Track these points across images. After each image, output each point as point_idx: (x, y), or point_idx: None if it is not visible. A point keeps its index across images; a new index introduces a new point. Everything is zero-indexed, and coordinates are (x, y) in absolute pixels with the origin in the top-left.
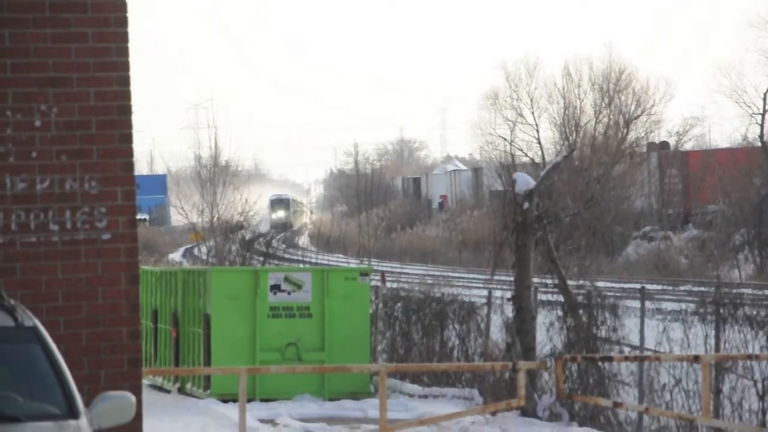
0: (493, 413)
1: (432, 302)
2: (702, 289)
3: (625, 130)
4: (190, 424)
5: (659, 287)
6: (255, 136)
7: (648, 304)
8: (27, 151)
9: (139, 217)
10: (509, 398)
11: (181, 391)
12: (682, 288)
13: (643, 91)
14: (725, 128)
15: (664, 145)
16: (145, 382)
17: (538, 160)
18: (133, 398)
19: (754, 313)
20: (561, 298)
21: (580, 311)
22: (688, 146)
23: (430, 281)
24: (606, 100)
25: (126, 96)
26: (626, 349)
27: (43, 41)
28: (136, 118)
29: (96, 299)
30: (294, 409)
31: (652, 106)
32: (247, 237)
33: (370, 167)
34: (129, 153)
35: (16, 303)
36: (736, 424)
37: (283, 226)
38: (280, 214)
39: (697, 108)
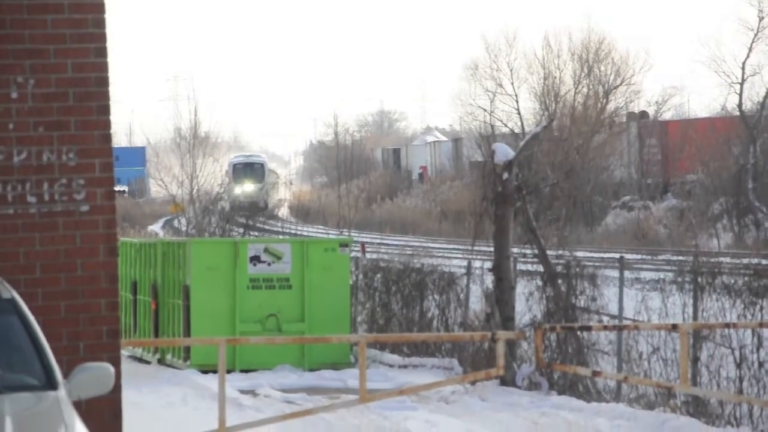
0: (473, 383)
1: (412, 273)
2: (680, 258)
3: (605, 101)
4: (169, 394)
5: (638, 257)
6: (234, 107)
7: (627, 274)
8: (4, 123)
9: (118, 189)
10: (489, 368)
11: (161, 362)
12: (660, 257)
13: (622, 61)
14: (704, 98)
15: (644, 114)
16: (124, 353)
17: (517, 130)
18: (111, 369)
19: (732, 281)
20: (540, 268)
21: (560, 281)
22: (668, 116)
23: (409, 252)
24: (585, 70)
25: (103, 67)
26: (605, 319)
27: (19, 12)
28: (114, 90)
29: (74, 271)
30: (274, 379)
31: (632, 76)
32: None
33: (350, 138)
34: (107, 125)
35: None
36: (713, 392)
37: (252, 207)
38: (248, 188)
39: (676, 78)
